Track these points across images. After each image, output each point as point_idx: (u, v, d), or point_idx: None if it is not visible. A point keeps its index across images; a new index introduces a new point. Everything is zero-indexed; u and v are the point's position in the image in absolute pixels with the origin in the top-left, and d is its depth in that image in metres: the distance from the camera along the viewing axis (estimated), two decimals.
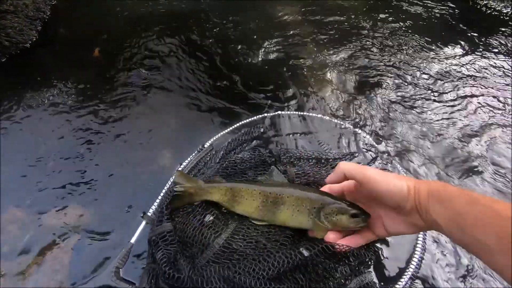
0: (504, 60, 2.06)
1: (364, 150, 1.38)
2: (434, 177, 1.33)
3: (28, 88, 1.61)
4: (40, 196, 1.21)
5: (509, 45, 2.21)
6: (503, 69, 1.99)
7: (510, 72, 1.96)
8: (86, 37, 2.04)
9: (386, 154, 1.35)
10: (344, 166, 0.77)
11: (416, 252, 0.92)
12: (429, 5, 2.58)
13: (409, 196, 0.66)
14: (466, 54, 2.10)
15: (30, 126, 1.46)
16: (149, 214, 1.02)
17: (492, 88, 1.82)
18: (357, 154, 1.23)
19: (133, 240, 0.96)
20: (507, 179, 1.34)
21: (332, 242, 0.80)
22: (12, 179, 1.26)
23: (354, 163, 0.79)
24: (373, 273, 0.85)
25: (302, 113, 1.50)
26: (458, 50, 2.13)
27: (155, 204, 1.05)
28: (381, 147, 1.37)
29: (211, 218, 0.96)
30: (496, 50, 2.14)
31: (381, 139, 1.46)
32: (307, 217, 0.87)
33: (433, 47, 2.13)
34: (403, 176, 0.71)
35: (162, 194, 1.08)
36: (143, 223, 1.00)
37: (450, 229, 0.61)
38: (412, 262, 0.90)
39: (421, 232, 0.93)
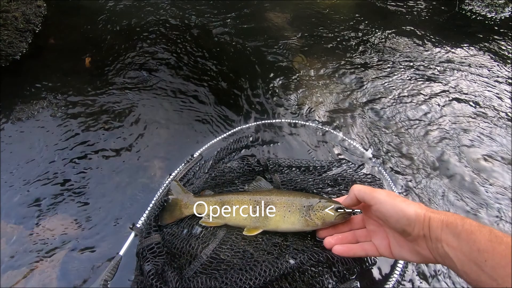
0: (490, 64, 2.10)
1: (353, 157, 1.39)
2: (421, 184, 1.35)
3: (17, 101, 1.61)
4: (28, 209, 1.20)
5: (494, 49, 2.26)
6: (491, 73, 2.03)
7: (498, 76, 2.01)
8: (77, 48, 2.05)
9: (374, 161, 1.37)
10: (355, 188, 0.79)
11: None
12: (415, 10, 2.64)
13: (416, 223, 0.65)
14: (452, 59, 2.14)
15: (18, 139, 1.46)
16: (138, 225, 1.03)
17: (478, 92, 1.86)
18: (344, 161, 1.25)
19: (121, 252, 0.96)
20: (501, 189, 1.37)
21: (328, 246, 0.83)
22: (0, 192, 1.26)
23: (366, 186, 0.80)
24: (358, 280, 0.86)
25: (291, 121, 1.52)
26: (444, 56, 2.17)
27: (144, 215, 1.06)
28: (369, 153, 1.39)
29: (200, 229, 0.97)
30: (481, 54, 2.19)
31: (369, 145, 1.49)
32: (299, 217, 0.90)
33: (420, 53, 2.17)
34: (415, 202, 0.70)
35: (151, 205, 1.08)
36: (132, 234, 1.01)
37: (465, 267, 0.57)
38: (397, 268, 0.92)
39: None
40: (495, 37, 2.38)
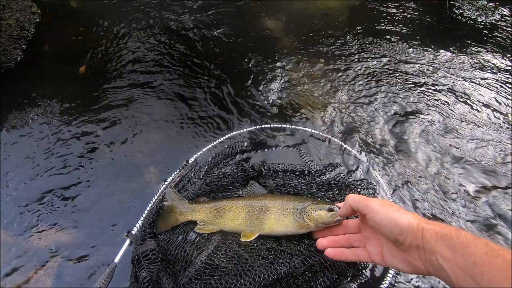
0: (480, 66, 2.14)
1: (346, 161, 1.41)
2: (414, 186, 1.36)
3: (12, 108, 1.61)
4: (23, 217, 1.20)
5: (484, 52, 2.30)
6: (480, 75, 2.07)
7: (486, 77, 2.04)
8: (72, 54, 2.05)
9: (368, 164, 1.39)
10: (350, 198, 0.79)
11: None
12: (406, 14, 2.67)
13: (409, 232, 0.64)
14: (444, 62, 2.17)
15: (13, 146, 1.45)
16: (133, 232, 1.03)
17: (470, 94, 1.89)
18: (338, 165, 1.26)
19: (117, 260, 0.96)
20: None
21: (320, 248, 0.84)
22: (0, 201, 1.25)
23: (361, 195, 0.80)
24: (352, 283, 0.87)
25: (286, 126, 1.53)
26: (435, 59, 2.20)
27: (140, 222, 1.06)
28: (362, 157, 1.40)
29: (195, 235, 0.98)
30: (472, 57, 2.23)
31: (362, 149, 1.50)
32: (292, 219, 0.92)
33: (412, 56, 2.20)
34: (410, 212, 0.70)
35: (146, 212, 1.09)
36: (127, 241, 1.01)
37: (460, 280, 0.56)
38: (390, 271, 0.93)
39: None
40: (485, 40, 2.42)
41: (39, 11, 2.29)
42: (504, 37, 2.46)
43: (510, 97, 1.89)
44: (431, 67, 2.11)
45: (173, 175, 1.21)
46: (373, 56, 2.17)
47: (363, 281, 0.91)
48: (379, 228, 0.71)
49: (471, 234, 0.58)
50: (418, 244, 0.64)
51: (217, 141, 1.36)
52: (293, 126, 1.50)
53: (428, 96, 1.86)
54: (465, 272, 0.55)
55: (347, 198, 0.80)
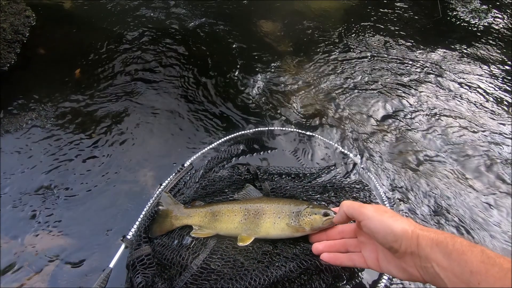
0: (474, 68, 2.17)
1: (342, 163, 1.41)
2: (409, 187, 1.37)
3: (5, 113, 1.60)
4: (17, 222, 1.19)
5: (478, 53, 2.33)
6: (474, 77, 2.09)
7: (481, 79, 2.07)
8: (67, 58, 2.04)
9: (363, 166, 1.39)
10: (345, 204, 0.78)
11: None
12: (400, 16, 2.70)
13: (403, 239, 0.64)
14: (438, 64, 2.19)
15: (7, 151, 1.44)
16: (128, 237, 1.03)
17: (465, 94, 1.91)
18: (333, 167, 1.27)
19: (112, 265, 0.96)
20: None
21: (316, 252, 0.84)
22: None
23: (356, 201, 0.79)
24: (348, 285, 0.87)
25: (282, 128, 1.53)
26: (429, 61, 2.22)
27: (135, 226, 1.05)
28: (358, 159, 1.41)
29: (190, 239, 0.97)
30: (467, 59, 2.25)
31: (358, 151, 1.51)
32: (288, 223, 0.92)
33: (406, 59, 2.22)
34: (404, 218, 0.69)
35: (141, 216, 1.08)
36: (122, 246, 1.01)
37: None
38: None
39: None
40: (478, 42, 2.44)
41: (33, 15, 2.27)
42: (497, 38, 2.49)
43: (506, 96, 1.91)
44: (426, 68, 2.12)
45: (168, 179, 1.20)
46: (366, 58, 2.18)
47: (358, 283, 0.91)
48: (373, 234, 0.70)
49: (467, 241, 0.58)
50: (413, 251, 0.63)
51: (213, 145, 1.36)
52: (288, 129, 1.51)
53: (425, 96, 1.87)
54: (461, 281, 0.54)
55: (341, 205, 0.79)
